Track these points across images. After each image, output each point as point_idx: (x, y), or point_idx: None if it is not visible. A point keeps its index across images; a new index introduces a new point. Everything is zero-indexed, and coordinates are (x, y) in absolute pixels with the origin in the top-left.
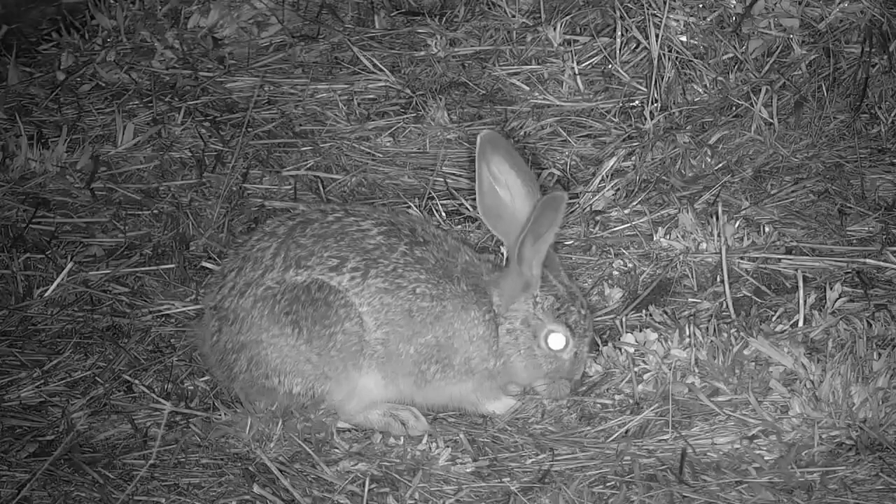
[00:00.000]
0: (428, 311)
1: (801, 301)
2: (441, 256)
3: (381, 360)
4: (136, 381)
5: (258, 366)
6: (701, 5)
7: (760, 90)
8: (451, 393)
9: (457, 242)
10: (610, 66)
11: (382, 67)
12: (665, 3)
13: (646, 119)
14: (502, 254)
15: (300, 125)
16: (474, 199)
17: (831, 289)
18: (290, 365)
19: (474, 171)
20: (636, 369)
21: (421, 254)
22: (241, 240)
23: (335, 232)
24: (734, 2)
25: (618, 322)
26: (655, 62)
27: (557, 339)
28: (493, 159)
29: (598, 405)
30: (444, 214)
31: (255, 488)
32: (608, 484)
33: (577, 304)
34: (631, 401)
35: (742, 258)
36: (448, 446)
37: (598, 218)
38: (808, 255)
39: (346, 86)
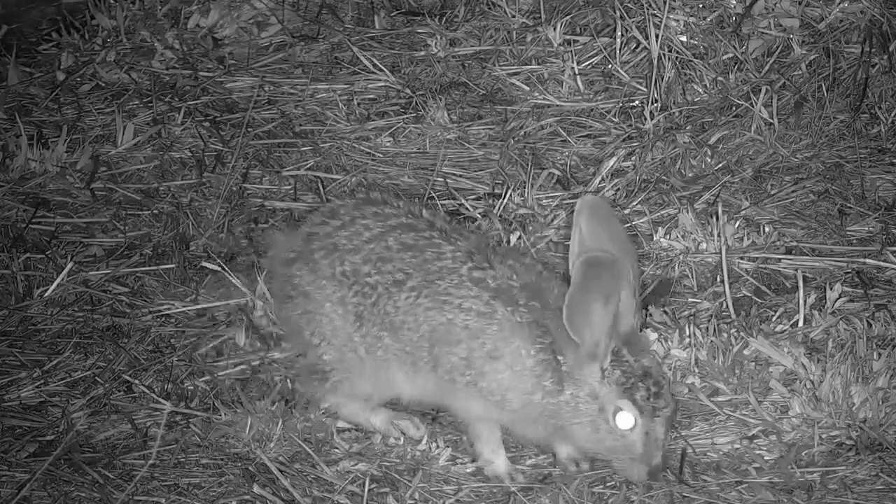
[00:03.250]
0: (467, 325)
1: (801, 301)
2: (504, 283)
3: (421, 364)
4: (136, 381)
5: (309, 322)
6: (701, 5)
7: (760, 90)
8: (480, 413)
9: (549, 282)
10: (610, 66)
11: (382, 67)
12: (665, 3)
13: (646, 119)
14: None
15: (300, 125)
16: (474, 199)
17: (831, 289)
18: (337, 340)
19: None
20: None
21: (480, 275)
22: (360, 197)
23: (421, 247)
24: (734, 2)
25: None
26: (655, 62)
27: (625, 419)
28: (588, 227)
29: None
30: (443, 214)
31: (255, 488)
32: (608, 484)
33: (647, 381)
34: None
35: (742, 258)
36: (448, 446)
37: None
38: (808, 255)
39: (346, 86)
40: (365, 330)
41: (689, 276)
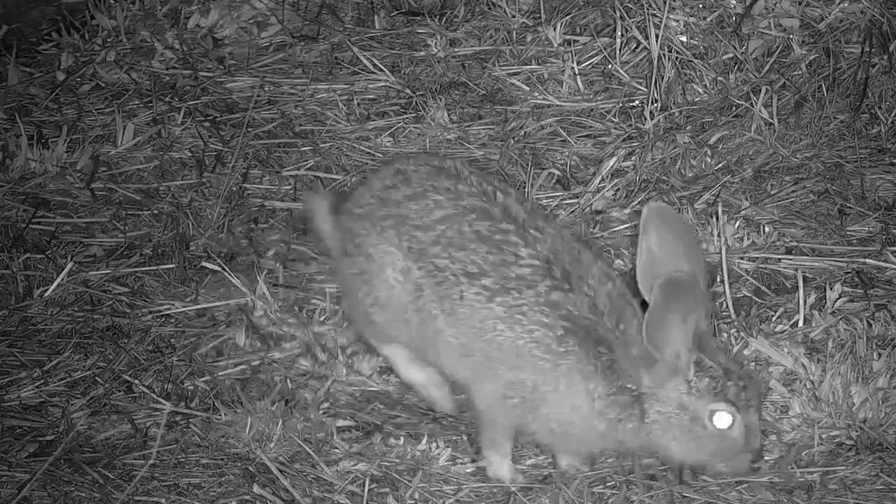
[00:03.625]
0: (539, 359)
1: (801, 301)
2: (582, 309)
3: (460, 353)
4: (136, 381)
5: (365, 283)
6: (701, 5)
7: (760, 90)
8: (518, 422)
9: (622, 300)
10: (610, 66)
11: (382, 67)
12: (665, 3)
13: (646, 119)
14: None
15: (300, 125)
16: None
17: (831, 289)
18: (390, 307)
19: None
20: None
21: (558, 298)
22: (434, 164)
23: (496, 242)
24: (734, 2)
25: None
26: (655, 62)
27: (723, 418)
28: (656, 234)
29: None
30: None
31: (255, 488)
32: (608, 484)
33: (734, 378)
34: None
35: (742, 258)
36: (448, 446)
37: (598, 218)
38: (808, 255)
39: (346, 86)
40: (422, 303)
41: None
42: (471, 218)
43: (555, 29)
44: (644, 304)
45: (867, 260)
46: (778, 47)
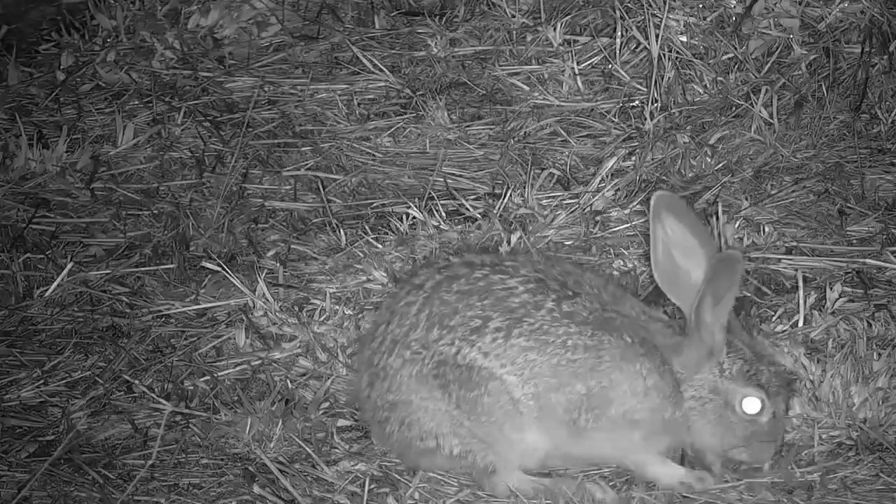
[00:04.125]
0: (580, 363)
1: (801, 301)
2: (596, 308)
3: (535, 414)
4: (136, 381)
5: (410, 427)
6: (701, 5)
7: (760, 90)
8: (610, 445)
9: (622, 293)
10: (610, 66)
11: (382, 67)
12: (665, 3)
13: (646, 119)
14: (669, 310)
15: (300, 125)
16: (474, 199)
17: (831, 289)
18: (445, 427)
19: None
20: None
21: (570, 308)
22: (395, 289)
23: (480, 290)
24: (734, 2)
25: None
26: (655, 62)
27: (753, 403)
28: (668, 221)
29: None
30: (444, 214)
31: (255, 488)
32: (608, 484)
33: (764, 362)
34: None
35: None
36: None
37: (598, 218)
38: (808, 255)
39: (346, 86)
40: (454, 396)
41: None
42: (444, 288)
43: (555, 29)
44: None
45: (867, 260)
46: (778, 47)
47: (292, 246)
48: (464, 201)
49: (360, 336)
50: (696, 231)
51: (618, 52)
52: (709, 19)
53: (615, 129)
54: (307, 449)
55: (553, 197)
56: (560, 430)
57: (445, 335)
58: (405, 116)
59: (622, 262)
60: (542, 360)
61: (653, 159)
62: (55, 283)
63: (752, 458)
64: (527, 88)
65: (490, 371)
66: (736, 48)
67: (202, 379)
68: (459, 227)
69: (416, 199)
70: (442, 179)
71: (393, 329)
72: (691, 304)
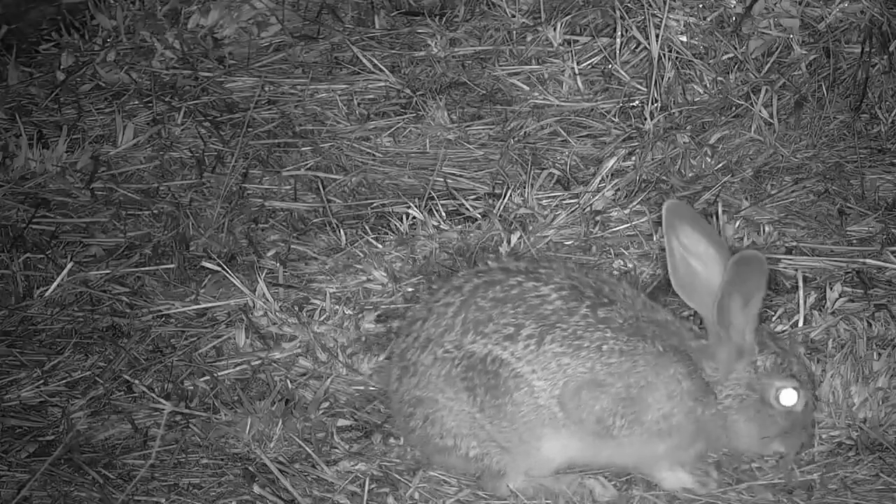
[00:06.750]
0: (616, 366)
1: (801, 301)
2: (630, 316)
3: (561, 422)
4: (136, 381)
5: (433, 424)
6: (701, 5)
7: (760, 90)
8: (639, 452)
9: (651, 302)
10: (610, 66)
11: (382, 67)
12: (665, 3)
13: (646, 119)
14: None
15: (300, 125)
16: (474, 199)
17: (831, 289)
18: (465, 428)
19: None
20: None
21: (605, 314)
22: (435, 286)
23: (514, 297)
24: (734, 2)
25: None
26: (655, 62)
27: (790, 395)
28: (681, 230)
29: None
30: (444, 214)
31: (255, 488)
32: (610, 483)
33: (792, 355)
34: None
35: None
36: None
37: (598, 218)
38: (808, 255)
39: (346, 86)
40: (479, 400)
41: None
42: (481, 293)
43: (555, 29)
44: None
45: (867, 260)
46: (778, 47)
47: (292, 246)
48: (464, 201)
49: (397, 328)
50: (709, 237)
51: (618, 52)
52: (709, 19)
53: (615, 129)
54: (307, 449)
55: (553, 197)
56: (589, 434)
57: (479, 340)
58: (405, 116)
59: (622, 262)
60: (575, 363)
61: (653, 159)
62: (55, 283)
63: (788, 449)
64: (527, 88)
65: (520, 376)
66: (736, 48)
67: (202, 379)
68: (459, 227)
69: (416, 199)
70: (442, 179)
71: (429, 327)
72: (713, 307)
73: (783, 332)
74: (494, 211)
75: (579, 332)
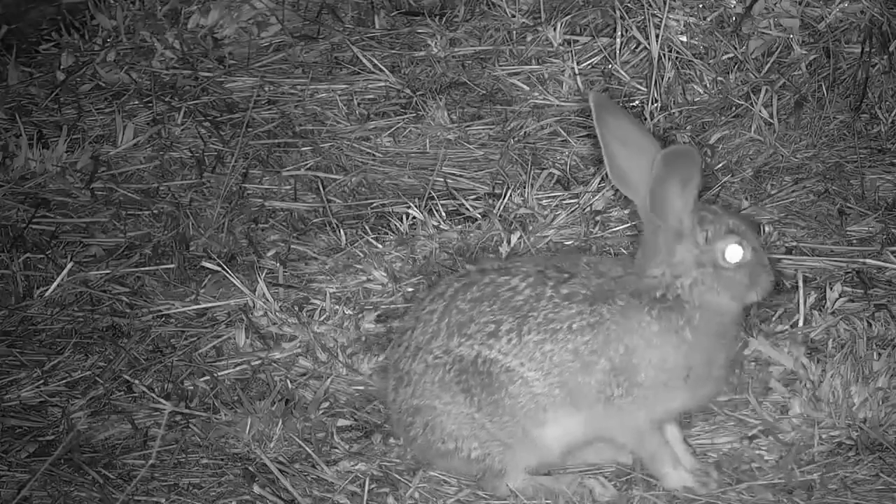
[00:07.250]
0: (591, 342)
1: (801, 301)
2: (595, 283)
3: (564, 401)
4: (136, 381)
5: (433, 431)
6: (701, 5)
7: (760, 90)
8: (653, 407)
9: (612, 259)
10: (610, 66)
11: (382, 67)
12: (665, 3)
13: (646, 119)
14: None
15: (300, 125)
16: (474, 199)
17: (831, 289)
18: (466, 430)
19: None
20: None
21: (568, 290)
22: (420, 296)
23: (489, 294)
24: (734, 2)
25: None
26: (655, 62)
27: (734, 251)
28: (612, 121)
29: None
30: (444, 214)
31: (255, 488)
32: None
33: (726, 214)
34: None
35: None
36: None
37: (598, 218)
38: (808, 255)
39: (346, 86)
40: (476, 400)
41: None
42: (460, 296)
43: (555, 29)
44: None
45: (867, 260)
46: (778, 47)
47: (292, 246)
48: (464, 201)
49: (391, 338)
50: (639, 128)
51: (618, 52)
52: (709, 19)
53: None
54: (307, 449)
55: (553, 197)
56: (595, 408)
57: (465, 343)
58: (405, 116)
59: None
60: (558, 348)
61: None
62: (55, 283)
63: (760, 295)
64: (527, 88)
65: (511, 370)
66: (736, 48)
67: (202, 379)
68: (459, 227)
69: (416, 199)
70: (442, 179)
71: (417, 335)
72: (646, 197)
73: (783, 332)
74: (494, 211)
75: (550, 316)
